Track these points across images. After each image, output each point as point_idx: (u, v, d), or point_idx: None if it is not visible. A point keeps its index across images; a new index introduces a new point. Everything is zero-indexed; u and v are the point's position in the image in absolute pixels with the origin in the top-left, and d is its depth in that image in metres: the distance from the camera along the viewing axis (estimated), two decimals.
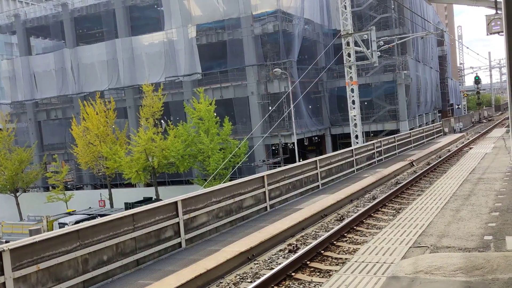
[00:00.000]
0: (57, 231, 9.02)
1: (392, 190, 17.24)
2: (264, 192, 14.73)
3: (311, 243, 11.16)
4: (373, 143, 26.20)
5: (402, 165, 24.80)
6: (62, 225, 26.49)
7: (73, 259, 8.79)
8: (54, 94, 48.46)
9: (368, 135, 43.71)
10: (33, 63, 49.41)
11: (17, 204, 41.51)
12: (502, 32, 9.20)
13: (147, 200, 30.27)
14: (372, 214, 14.07)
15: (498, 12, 17.79)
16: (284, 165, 25.69)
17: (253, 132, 33.78)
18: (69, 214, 32.99)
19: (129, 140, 36.40)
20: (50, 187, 44.39)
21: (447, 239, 8.80)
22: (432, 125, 45.60)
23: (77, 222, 24.08)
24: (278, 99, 35.17)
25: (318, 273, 9.41)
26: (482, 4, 21.55)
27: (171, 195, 17.16)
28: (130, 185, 40.76)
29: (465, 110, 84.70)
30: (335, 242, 11.27)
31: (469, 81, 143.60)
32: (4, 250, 7.74)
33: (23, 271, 7.97)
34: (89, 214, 30.65)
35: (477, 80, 72.07)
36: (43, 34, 53.73)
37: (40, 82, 49.26)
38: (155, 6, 44.57)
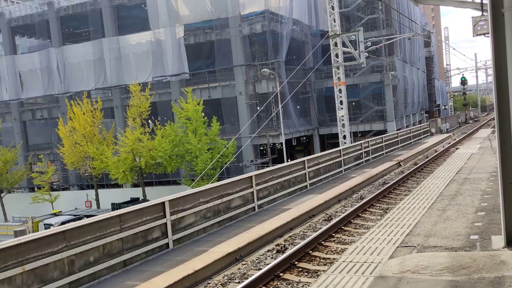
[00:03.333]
0: (42, 232, 8.90)
1: (379, 190, 17.31)
2: (252, 192, 14.71)
3: (299, 243, 11.15)
4: (361, 143, 26.31)
5: (390, 165, 24.93)
6: (47, 226, 26.21)
7: (59, 261, 8.69)
8: (40, 94, 47.97)
9: (355, 136, 43.93)
10: (18, 62, 48.85)
11: (2, 205, 41.02)
12: (488, 33, 9.26)
13: (134, 201, 30.08)
14: (360, 214, 14.11)
15: (484, 14, 17.93)
16: (272, 165, 25.69)
17: (241, 132, 33.74)
18: (55, 215, 32.66)
19: (116, 140, 36.16)
20: (36, 188, 43.91)
21: (434, 239, 8.85)
22: (419, 125, 45.94)
23: (63, 223, 23.84)
24: (266, 99, 35.19)
25: (306, 273, 9.41)
26: (468, 6, 21.71)
27: (158, 195, 17.08)
28: (117, 185, 40.50)
29: (451, 111, 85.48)
30: (323, 242, 11.27)
31: (455, 82, 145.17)
32: None
33: (8, 273, 7.86)
34: (75, 215, 30.38)
35: (464, 81, 72.78)
36: (29, 33, 53.15)
37: (26, 81, 48.75)
38: (143, 6, 44.32)
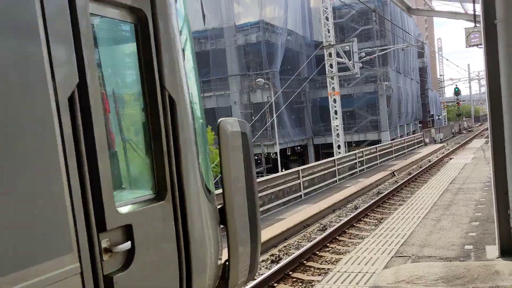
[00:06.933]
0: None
1: (374, 200, 17.31)
2: None
3: (293, 253, 11.12)
4: (355, 153, 26.37)
5: (384, 175, 24.97)
6: None
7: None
8: None
9: (350, 145, 44.05)
10: None
11: None
12: (481, 44, 9.36)
13: None
14: (355, 224, 14.10)
15: (477, 25, 18.13)
16: (267, 175, 25.66)
17: None
18: None
19: None
20: None
21: (428, 249, 8.85)
22: (413, 135, 46.14)
23: None
24: (261, 109, 35.27)
25: (300, 284, 9.37)
26: (461, 17, 21.95)
27: None
28: None
29: (445, 121, 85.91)
30: (317, 252, 11.25)
31: (449, 93, 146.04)
32: None
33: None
34: None
35: (457, 92, 73.22)
36: None
37: None
38: None
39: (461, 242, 9.11)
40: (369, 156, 28.46)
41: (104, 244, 2.42)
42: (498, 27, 7.13)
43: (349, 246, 11.76)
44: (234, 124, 3.55)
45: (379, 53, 40.28)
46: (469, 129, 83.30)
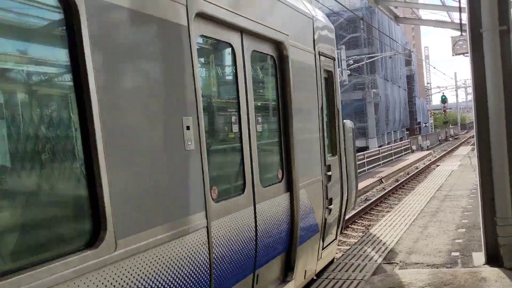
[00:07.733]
0: None
1: (361, 207, 17.35)
2: None
3: None
4: None
5: (371, 181, 25.05)
6: None
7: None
8: None
9: None
10: None
11: None
12: (467, 53, 9.46)
13: None
14: (342, 231, 14.09)
15: (463, 34, 18.33)
16: None
17: None
18: None
19: None
20: None
21: (415, 256, 8.87)
22: (400, 142, 46.41)
23: None
24: None
25: None
26: (448, 26, 22.22)
27: None
28: None
29: (432, 128, 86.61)
30: None
31: (436, 100, 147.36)
32: None
33: None
34: None
35: (444, 99, 73.86)
36: None
37: None
38: None
39: (448, 249, 9.15)
40: (357, 163, 28.53)
41: (324, 171, 7.11)
42: (484, 36, 7.22)
43: (336, 253, 11.75)
44: (349, 123, 8.72)
45: (367, 61, 40.58)
46: (456, 137, 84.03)
